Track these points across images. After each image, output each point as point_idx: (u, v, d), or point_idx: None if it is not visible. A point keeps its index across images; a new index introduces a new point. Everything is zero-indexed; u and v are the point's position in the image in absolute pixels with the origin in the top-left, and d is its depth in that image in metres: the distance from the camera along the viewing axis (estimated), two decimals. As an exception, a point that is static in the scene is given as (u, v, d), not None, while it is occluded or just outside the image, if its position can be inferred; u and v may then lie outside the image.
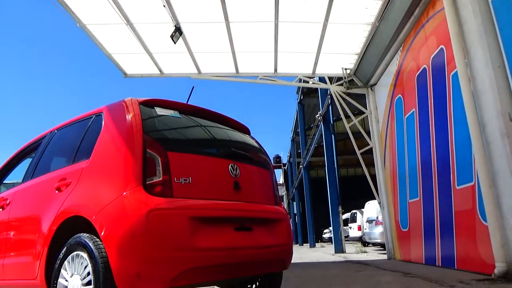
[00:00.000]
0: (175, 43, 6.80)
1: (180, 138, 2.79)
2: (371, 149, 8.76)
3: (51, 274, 2.42)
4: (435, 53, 5.66)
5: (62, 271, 2.35)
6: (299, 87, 19.17)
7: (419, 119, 6.35)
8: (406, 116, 6.92)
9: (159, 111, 2.73)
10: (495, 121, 4.08)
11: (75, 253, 2.31)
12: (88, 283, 2.17)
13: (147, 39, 7.30)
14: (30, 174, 3.26)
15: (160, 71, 8.58)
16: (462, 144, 4.91)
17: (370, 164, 8.76)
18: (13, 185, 3.54)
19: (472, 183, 4.67)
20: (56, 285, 2.35)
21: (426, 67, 5.98)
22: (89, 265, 2.18)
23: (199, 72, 8.69)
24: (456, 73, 4.75)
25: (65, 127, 3.30)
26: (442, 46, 5.42)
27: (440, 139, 5.57)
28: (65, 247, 2.38)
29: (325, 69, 8.88)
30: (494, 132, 4.11)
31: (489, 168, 4.19)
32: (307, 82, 9.54)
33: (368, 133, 8.82)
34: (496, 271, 4.03)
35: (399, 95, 7.22)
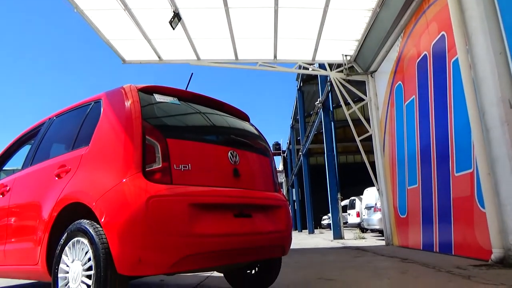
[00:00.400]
0: (173, 29, 6.74)
1: (180, 125, 2.78)
2: (370, 136, 8.76)
3: (53, 259, 2.44)
4: (436, 39, 5.62)
5: (63, 256, 2.37)
6: (298, 74, 19.08)
7: (419, 106, 6.33)
8: (406, 103, 6.90)
9: (158, 98, 2.72)
10: (495, 108, 4.08)
11: (75, 239, 2.33)
12: (89, 269, 2.19)
13: (145, 25, 7.23)
14: (30, 160, 3.26)
15: (159, 57, 8.52)
16: (461, 131, 4.91)
17: (370, 151, 8.78)
18: (13, 171, 3.55)
19: (470, 170, 4.69)
20: (58, 270, 2.38)
21: (427, 53, 5.94)
22: (90, 251, 2.20)
23: (198, 58, 8.63)
24: (456, 59, 4.72)
25: (63, 113, 3.29)
26: (443, 32, 5.37)
27: (440, 126, 5.57)
28: (66, 233, 2.40)
29: (325, 56, 8.82)
30: (494, 119, 4.11)
31: (488, 155, 4.20)
32: (307, 68, 9.48)
33: (368, 120, 8.81)
34: (493, 257, 4.08)
35: (399, 82, 7.19)
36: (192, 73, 3.34)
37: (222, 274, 3.67)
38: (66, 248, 2.37)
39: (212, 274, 4.41)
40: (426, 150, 6.02)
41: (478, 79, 4.32)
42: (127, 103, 2.53)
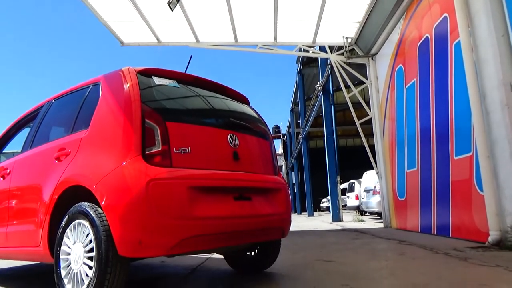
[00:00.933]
0: (172, 10, 6.64)
1: (179, 108, 2.77)
2: (370, 120, 8.75)
3: (54, 241, 2.47)
4: (438, 21, 5.55)
5: (65, 239, 2.40)
6: (299, 57, 18.91)
7: (420, 89, 6.30)
8: (406, 87, 6.86)
9: (157, 80, 2.70)
10: (496, 91, 4.06)
11: (76, 221, 2.35)
12: (91, 250, 2.21)
13: (143, 6, 7.13)
14: (29, 144, 3.26)
15: (158, 39, 8.42)
16: (461, 115, 4.90)
17: (369, 134, 8.79)
18: (13, 154, 3.55)
19: (470, 154, 4.70)
20: (59, 252, 2.40)
21: (429, 36, 5.88)
22: (91, 233, 2.22)
23: (197, 40, 8.54)
24: (459, 42, 4.67)
25: (62, 96, 3.27)
26: (445, 14, 5.30)
27: (440, 110, 5.56)
28: (67, 216, 2.41)
29: (325, 38, 8.72)
30: (494, 102, 4.09)
31: (488, 138, 4.20)
32: (307, 51, 9.39)
33: (368, 104, 8.79)
34: (490, 239, 4.13)
35: (400, 65, 7.13)
36: (191, 56, 3.31)
37: (222, 256, 3.72)
38: (68, 230, 2.39)
39: (212, 256, 4.47)
40: (426, 134, 6.02)
41: (480, 62, 4.29)
42: (126, 86, 2.51)
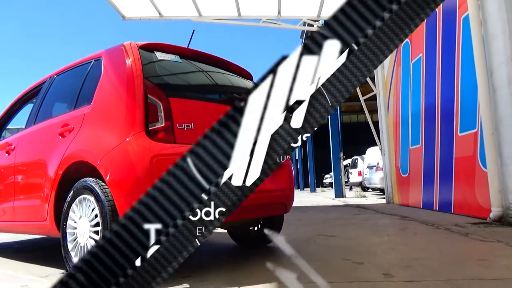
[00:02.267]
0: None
1: (182, 83, 2.75)
2: (375, 96, 8.67)
3: (60, 216, 2.51)
4: (446, -6, 5.40)
5: (71, 213, 2.43)
6: (303, 31, 18.59)
7: (426, 64, 6.21)
8: (412, 62, 6.76)
9: (160, 55, 2.67)
10: (504, 67, 3.99)
11: (82, 196, 2.38)
12: (96, 225, 2.25)
13: (144, -21, 6.96)
14: (33, 119, 3.27)
15: (159, 13, 8.27)
16: (467, 91, 4.84)
17: (373, 110, 8.73)
18: (17, 130, 3.57)
19: (474, 130, 4.67)
20: (66, 226, 2.44)
21: (437, 9, 5.74)
22: (96, 208, 2.25)
23: (200, 14, 8.38)
24: (467, 16, 4.56)
25: (64, 72, 3.25)
26: (454, -14, 5.16)
27: (446, 86, 5.49)
28: (72, 191, 2.44)
29: (330, 12, 8.51)
30: (502, 78, 4.03)
31: (493, 115, 4.16)
32: (312, 25, 9.22)
33: (373, 79, 8.69)
34: (491, 215, 4.16)
35: (407, 40, 7.00)
36: (193, 30, 3.26)
37: (225, 231, 3.78)
38: (73, 205, 2.43)
39: (215, 231, 4.53)
40: (431, 110, 5.97)
41: (488, 37, 4.20)
42: (128, 61, 2.49)
